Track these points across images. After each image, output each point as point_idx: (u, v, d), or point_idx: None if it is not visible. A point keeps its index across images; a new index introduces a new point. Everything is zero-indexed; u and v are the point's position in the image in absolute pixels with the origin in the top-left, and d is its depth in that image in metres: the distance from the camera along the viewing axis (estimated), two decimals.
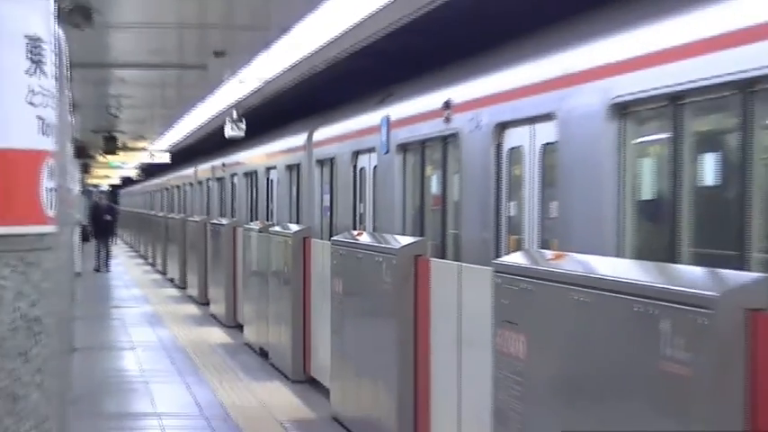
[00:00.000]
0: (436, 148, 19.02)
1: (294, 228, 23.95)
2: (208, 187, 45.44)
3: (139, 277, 50.67)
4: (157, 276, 50.65)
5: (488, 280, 11.35)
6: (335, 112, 27.06)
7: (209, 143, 43.37)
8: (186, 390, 20.62)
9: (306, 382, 21.26)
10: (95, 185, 71.45)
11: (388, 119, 20.73)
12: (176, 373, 22.74)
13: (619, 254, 12.48)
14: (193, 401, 19.55)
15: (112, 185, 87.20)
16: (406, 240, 15.70)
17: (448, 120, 17.37)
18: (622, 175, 12.60)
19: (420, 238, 16.35)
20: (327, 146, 27.23)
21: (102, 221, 50.94)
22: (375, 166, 22.67)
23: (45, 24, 5.73)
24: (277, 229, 25.19)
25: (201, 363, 24.23)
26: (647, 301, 8.29)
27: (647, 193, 12.66)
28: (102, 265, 50.59)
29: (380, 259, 15.65)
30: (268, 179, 34.20)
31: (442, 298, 13.75)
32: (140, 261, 62.37)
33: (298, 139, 29.71)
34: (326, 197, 27.75)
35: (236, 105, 31.96)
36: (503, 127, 15.83)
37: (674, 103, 11.79)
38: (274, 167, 33.01)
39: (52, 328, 5.71)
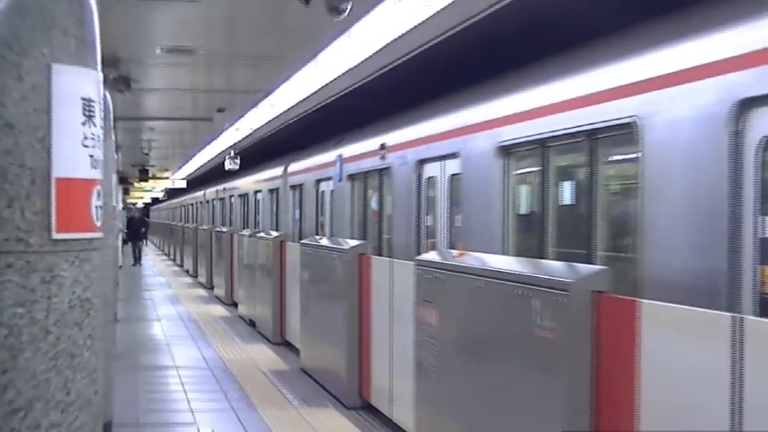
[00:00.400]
0: (375, 178, 19.23)
1: (274, 234, 23.93)
2: (213, 205, 45.29)
3: (164, 269, 50.47)
4: (177, 269, 50.49)
5: (411, 271, 11.38)
6: (304, 152, 27.08)
7: (214, 173, 43.29)
8: (197, 349, 20.56)
9: (282, 344, 21.20)
10: (133, 203, 71.27)
11: (341, 156, 21.12)
12: (190, 337, 22.65)
13: (504, 252, 12.53)
14: (201, 357, 19.50)
15: (145, 203, 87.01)
16: (353, 243, 15.73)
17: (383, 158, 17.75)
18: (506, 196, 12.71)
19: (363, 242, 16.36)
20: (298, 176, 27.19)
21: (136, 229, 51.61)
22: (332, 191, 22.73)
23: (95, 89, 5.71)
24: (262, 234, 25.18)
25: (208, 330, 24.14)
26: (524, 285, 8.33)
27: (523, 209, 12.75)
28: (137, 261, 50.80)
29: (335, 256, 15.69)
30: (256, 199, 34.12)
31: (379, 284, 13.78)
32: (165, 258, 62.18)
33: (277, 171, 29.65)
34: (297, 212, 27.72)
35: (233, 146, 32.00)
36: (422, 162, 15.98)
37: (542, 146, 11.86)
38: (260, 191, 32.94)
39: (99, 305, 5.69)
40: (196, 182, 53.60)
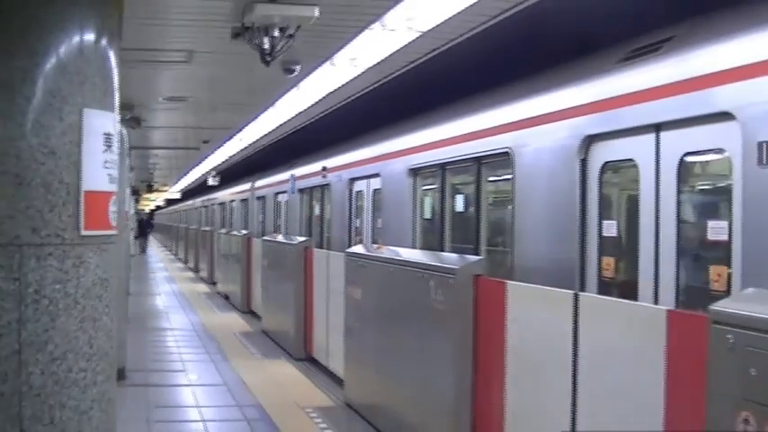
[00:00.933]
0: (318, 192, 19.46)
1: (244, 232, 23.92)
2: (200, 211, 45.08)
3: (164, 258, 50.27)
4: (173, 257, 50.33)
5: (342, 260, 11.41)
6: (266, 172, 27.10)
7: (200, 188, 43.15)
8: (186, 316, 20.47)
9: (248, 312, 21.13)
10: (142, 209, 70.86)
11: (293, 176, 21.41)
12: (181, 307, 22.56)
13: (414, 246, 12.83)
14: (189, 321, 19.43)
15: (151, 210, 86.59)
16: (301, 239, 15.74)
17: (324, 176, 18.08)
18: (415, 205, 12.89)
19: (309, 238, 16.38)
20: (262, 190, 27.20)
21: (143, 229, 51.97)
22: (287, 201, 22.85)
23: (113, 127, 5.74)
24: (234, 233, 25.17)
25: (194, 302, 24.04)
26: (424, 271, 8.39)
27: (427, 215, 12.91)
28: (142, 251, 50.91)
29: (288, 248, 15.70)
30: (231, 207, 34.04)
31: (319, 269, 13.79)
32: (165, 250, 61.87)
33: (246, 186, 29.66)
34: (261, 216, 27.69)
35: (215, 168, 31.96)
36: (352, 180, 16.16)
37: (442, 168, 11.98)
38: (234, 201, 32.87)
39: (114, 283, 5.72)
40: (188, 194, 53.36)
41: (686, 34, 7.74)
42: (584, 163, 8.58)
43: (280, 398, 11.39)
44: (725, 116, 6.72)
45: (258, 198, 27.94)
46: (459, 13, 8.32)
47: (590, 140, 8.52)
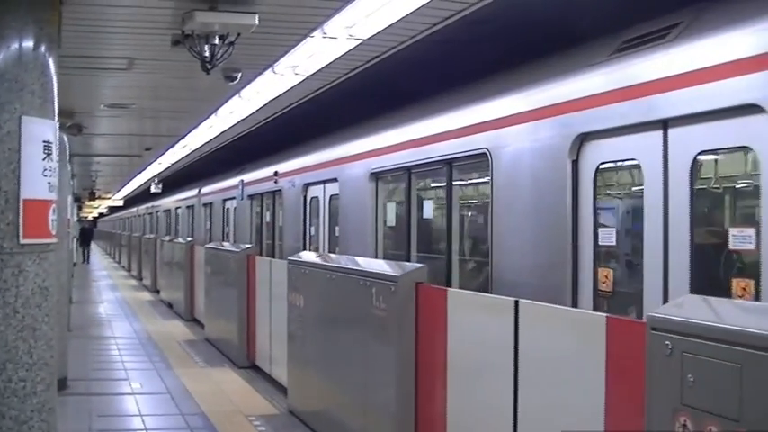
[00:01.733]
0: (269, 198, 19.36)
1: (187, 239, 23.83)
2: (144, 219, 44.74)
3: (107, 265, 49.85)
4: (116, 265, 49.93)
5: (285, 267, 11.38)
6: (214, 178, 26.99)
7: (146, 195, 42.86)
8: (129, 324, 20.33)
9: (192, 320, 21.01)
10: (85, 217, 70.29)
11: (242, 181, 21.29)
12: (124, 315, 22.38)
13: (376, 256, 12.57)
14: (132, 329, 19.30)
15: (94, 217, 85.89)
16: (244, 246, 15.69)
17: (276, 182, 17.91)
18: (377, 212, 12.89)
19: (251, 245, 16.31)
20: (209, 196, 27.08)
21: (86, 236, 51.29)
22: (235, 207, 22.77)
23: (53, 134, 5.69)
24: (178, 240, 25.06)
25: (138, 310, 23.86)
26: (366, 278, 8.38)
27: (391, 222, 12.78)
28: (85, 259, 50.16)
29: (230, 256, 15.64)
30: (176, 214, 33.83)
31: (261, 275, 13.75)
32: (108, 257, 61.37)
33: (193, 192, 29.45)
34: (208, 223, 27.57)
35: (157, 175, 31.77)
36: (307, 185, 16.08)
37: (407, 171, 11.89)
38: (180, 207, 32.67)
39: (54, 292, 5.67)
40: (132, 201, 52.99)
41: (696, 20, 7.14)
42: (575, 164, 8.04)
43: (223, 406, 11.33)
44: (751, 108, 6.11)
45: (205, 205, 27.72)
46: (399, 20, 8.33)
47: (582, 139, 7.98)
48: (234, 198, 22.85)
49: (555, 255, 8.25)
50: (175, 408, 11.25)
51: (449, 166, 10.73)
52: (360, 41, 9.20)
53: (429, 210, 11.95)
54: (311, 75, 11.00)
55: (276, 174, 18.11)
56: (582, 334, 5.41)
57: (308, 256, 11.83)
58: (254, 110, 14.27)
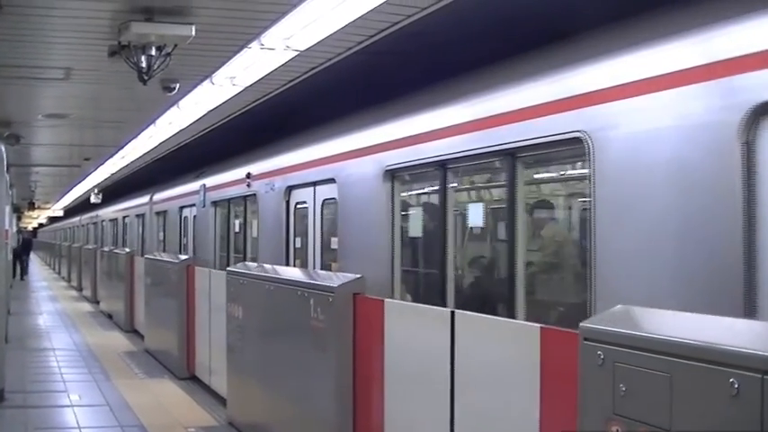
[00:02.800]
0: (240, 204, 16.90)
1: (126, 250, 23.69)
2: (87, 228, 44.10)
3: (47, 276, 49.41)
4: (56, 275, 49.48)
5: (224, 278, 11.33)
6: (167, 183, 25.99)
7: (84, 205, 42.40)
8: (68, 336, 20.17)
9: (132, 331, 20.90)
10: (25, 227, 69.53)
11: (204, 186, 18.66)
12: (63, 327, 22.20)
13: (393, 270, 8.83)
14: (72, 341, 19.15)
15: (34, 227, 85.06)
16: (183, 257, 15.65)
17: (249, 185, 15.18)
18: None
19: (189, 257, 16.12)
20: (162, 204, 26.15)
21: (26, 246, 50.27)
22: (195, 216, 21.91)
23: None
24: (117, 251, 24.93)
25: (77, 321, 23.69)
26: (304, 289, 8.37)
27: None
28: (24, 273, 48.24)
29: (170, 266, 15.58)
30: (124, 223, 33.01)
31: (201, 286, 13.71)
32: (48, 268, 60.74)
33: (144, 200, 27.70)
34: (161, 234, 26.48)
35: (97, 185, 31.51)
36: (291, 188, 13.86)
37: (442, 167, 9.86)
38: (128, 216, 31.60)
39: None
40: (71, 211, 52.46)
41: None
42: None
43: (163, 418, 11.25)
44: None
45: (157, 213, 23.91)
46: (336, 31, 8.32)
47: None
48: (193, 205, 19.68)
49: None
50: (114, 420, 11.15)
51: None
52: (297, 53, 9.18)
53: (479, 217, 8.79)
54: (249, 86, 10.97)
55: (249, 176, 15.28)
56: (517, 344, 5.43)
57: (248, 266, 11.76)
58: (193, 120, 14.20)
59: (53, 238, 69.59)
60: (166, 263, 16.20)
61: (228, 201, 16.43)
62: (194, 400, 12.45)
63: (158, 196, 23.65)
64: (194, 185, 18.85)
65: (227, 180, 16.51)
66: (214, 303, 12.63)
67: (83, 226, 44.29)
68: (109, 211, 34.34)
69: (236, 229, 16.25)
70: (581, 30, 6.82)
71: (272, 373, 9.45)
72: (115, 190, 33.10)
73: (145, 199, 25.55)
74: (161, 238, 23.84)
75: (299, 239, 12.51)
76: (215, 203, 16.69)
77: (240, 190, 15.14)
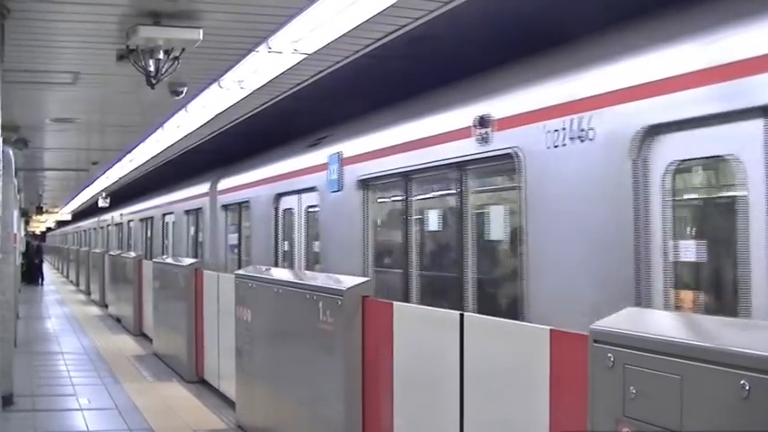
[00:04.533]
0: (234, 211, 17.90)
1: (133, 254, 23.68)
2: (106, 231, 43.88)
3: (55, 280, 49.41)
4: (65, 280, 49.52)
5: (232, 281, 11.32)
6: (244, 163, 26.07)
7: (92, 209, 42.43)
8: (77, 339, 20.16)
9: (140, 335, 20.86)
10: (32, 231, 69.65)
11: (340, 156, 18.71)
12: (72, 330, 22.20)
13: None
14: (81, 345, 19.13)
15: (42, 231, 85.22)
16: (191, 260, 15.65)
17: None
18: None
19: (198, 260, 16.23)
20: (238, 192, 26.18)
21: (32, 252, 49.66)
22: (174, 222, 22.22)
23: None
24: (125, 255, 24.88)
25: (86, 325, 23.68)
26: (313, 292, 8.36)
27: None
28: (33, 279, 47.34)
29: (177, 271, 15.55)
30: (164, 222, 32.21)
31: (209, 290, 13.66)
32: (56, 272, 60.82)
33: (200, 189, 26.48)
34: (235, 237, 25.75)
35: (104, 189, 31.52)
36: (279, 196, 14.81)
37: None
38: (170, 213, 30.14)
39: (1, 307, 5.61)
40: (79, 215, 52.55)
41: None
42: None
43: (172, 421, 11.25)
44: None
45: (227, 207, 18.64)
46: (343, 35, 8.33)
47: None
48: (311, 190, 17.66)
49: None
50: (123, 423, 11.14)
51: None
52: (305, 56, 9.20)
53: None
54: (257, 89, 10.99)
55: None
56: (526, 346, 5.41)
57: (256, 270, 11.76)
58: (201, 124, 14.22)
59: (60, 242, 69.75)
60: (174, 266, 16.20)
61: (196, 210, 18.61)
62: (203, 404, 12.44)
63: (229, 181, 18.02)
64: (308, 159, 13.43)
65: (238, 183, 17.31)
66: (222, 307, 12.62)
67: (100, 228, 43.48)
68: (136, 210, 30.87)
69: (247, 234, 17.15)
70: (583, 34, 7.72)
71: (281, 376, 9.44)
72: (127, 194, 32.90)
73: (202, 188, 20.21)
74: (232, 242, 18.48)
75: (286, 243, 14.82)
76: (366, 183, 11.47)
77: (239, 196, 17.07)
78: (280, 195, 14.66)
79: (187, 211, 21.66)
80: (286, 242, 14.74)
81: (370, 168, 11.02)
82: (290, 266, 14.09)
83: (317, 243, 13.21)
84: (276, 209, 14.79)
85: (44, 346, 19.18)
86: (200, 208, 20.21)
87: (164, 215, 25.33)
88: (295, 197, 14.02)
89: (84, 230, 47.67)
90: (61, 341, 19.95)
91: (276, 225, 14.87)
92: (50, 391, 13.45)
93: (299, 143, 14.55)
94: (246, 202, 16.55)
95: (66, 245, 59.86)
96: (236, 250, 17.84)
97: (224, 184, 18.47)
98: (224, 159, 19.36)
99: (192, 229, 21.44)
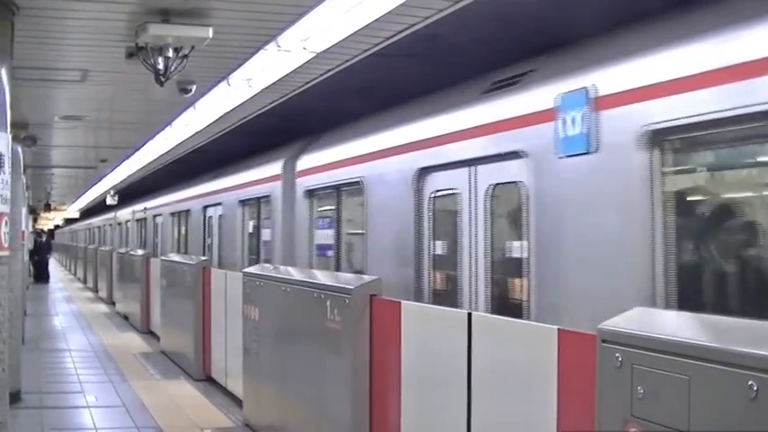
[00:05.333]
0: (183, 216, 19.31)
1: (141, 252, 23.68)
2: (124, 228, 43.54)
3: (63, 278, 49.42)
4: (72, 277, 49.58)
5: (240, 279, 11.32)
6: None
7: (99, 207, 42.41)
8: (85, 337, 20.20)
9: (148, 333, 20.89)
10: (41, 228, 69.73)
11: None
12: (79, 328, 22.24)
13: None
14: (88, 342, 19.17)
15: (50, 228, 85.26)
16: (200, 258, 15.66)
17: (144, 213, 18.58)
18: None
19: (207, 258, 16.27)
20: (142, 212, 26.82)
21: (40, 249, 49.54)
22: (162, 223, 22.62)
23: (5, 147, 5.63)
24: (133, 252, 24.87)
25: (93, 322, 23.71)
26: (320, 291, 8.36)
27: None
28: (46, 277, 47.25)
29: (186, 268, 15.56)
30: (204, 217, 31.08)
31: (217, 288, 13.68)
32: (63, 269, 60.86)
33: (265, 171, 25.22)
34: (333, 234, 25.20)
35: (113, 187, 31.49)
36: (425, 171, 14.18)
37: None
38: (217, 204, 28.19)
39: (7, 305, 5.60)
40: (86, 213, 52.57)
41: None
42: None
43: (179, 419, 11.27)
44: None
45: (314, 192, 13.68)
46: (353, 33, 8.33)
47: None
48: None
49: None
50: (131, 421, 11.17)
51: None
52: (314, 54, 9.20)
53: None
54: (266, 87, 10.99)
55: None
56: (534, 346, 5.42)
57: (264, 268, 11.77)
58: (209, 122, 14.22)
59: (68, 239, 69.71)
60: (182, 264, 16.21)
61: (179, 213, 20.11)
62: (210, 402, 12.47)
63: (319, 157, 13.34)
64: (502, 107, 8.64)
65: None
66: (230, 305, 12.64)
67: (89, 230, 42.41)
68: (168, 201, 25.76)
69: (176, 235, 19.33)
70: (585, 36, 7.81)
71: (288, 374, 9.45)
72: (138, 190, 32.63)
73: (270, 169, 15.38)
74: (323, 240, 13.43)
75: (209, 240, 17.18)
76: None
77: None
78: (426, 170, 9.75)
79: (243, 202, 16.86)
80: (438, 243, 9.78)
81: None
82: (457, 291, 9.20)
83: (525, 246, 8.02)
84: (419, 191, 9.82)
85: (52, 343, 19.23)
86: (264, 196, 15.42)
87: (204, 208, 20.35)
88: (462, 171, 9.08)
89: (108, 225, 45.95)
90: (69, 338, 20.00)
91: (420, 217, 9.85)
92: (58, 389, 13.48)
93: (461, 90, 9.79)
94: (355, 183, 11.54)
95: (72, 242, 59.92)
96: (329, 253, 12.95)
97: (309, 161, 13.60)
98: (299, 130, 15.33)
99: (251, 225, 16.88)
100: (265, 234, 15.48)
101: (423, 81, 10.66)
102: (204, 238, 20.28)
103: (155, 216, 27.61)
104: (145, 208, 29.60)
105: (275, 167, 14.75)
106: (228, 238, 17.82)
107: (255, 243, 16.25)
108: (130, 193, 33.19)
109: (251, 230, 16.69)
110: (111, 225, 39.71)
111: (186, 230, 22.27)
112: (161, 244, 25.95)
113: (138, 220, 31.06)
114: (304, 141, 14.37)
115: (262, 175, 15.56)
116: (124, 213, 33.82)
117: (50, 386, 13.62)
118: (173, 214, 23.94)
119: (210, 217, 19.87)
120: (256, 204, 16.06)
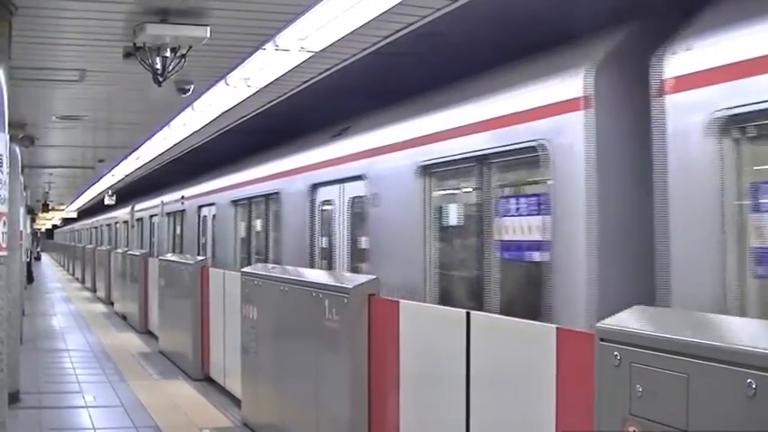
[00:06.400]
0: (177, 216, 19.69)
1: (139, 251, 23.66)
2: (93, 231, 43.76)
3: (60, 278, 49.43)
4: (70, 277, 49.53)
5: (238, 279, 11.32)
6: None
7: (96, 207, 42.39)
8: (83, 336, 20.19)
9: (146, 332, 20.88)
10: (39, 228, 69.75)
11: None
12: (77, 328, 22.22)
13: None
14: (87, 342, 19.16)
15: (48, 228, 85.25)
16: (198, 258, 15.67)
17: (182, 203, 18.49)
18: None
19: (205, 257, 16.29)
20: (140, 212, 26.93)
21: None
22: (157, 223, 23.04)
23: (3, 147, 5.63)
24: (131, 252, 24.85)
25: (91, 322, 23.69)
26: (319, 290, 8.36)
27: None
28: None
29: (184, 268, 15.56)
30: (233, 214, 31.14)
31: (215, 287, 13.69)
32: (61, 269, 60.82)
33: (324, 152, 25.00)
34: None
35: (110, 187, 31.47)
36: (200, 207, 17.02)
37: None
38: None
39: (5, 304, 5.60)
40: (84, 213, 52.49)
41: None
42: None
43: (177, 419, 11.27)
44: None
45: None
46: (351, 32, 8.34)
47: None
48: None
49: None
50: (129, 421, 11.17)
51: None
52: (312, 54, 9.20)
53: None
54: (264, 87, 10.99)
55: (183, 197, 19.53)
56: (532, 344, 5.42)
57: (262, 268, 11.77)
58: (207, 122, 14.22)
59: (66, 239, 69.68)
60: (180, 264, 16.20)
61: (173, 213, 21.98)
62: (209, 401, 12.46)
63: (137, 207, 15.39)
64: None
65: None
66: (228, 304, 12.64)
67: (86, 230, 41.96)
68: (114, 215, 27.70)
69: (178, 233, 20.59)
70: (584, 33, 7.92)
71: (287, 374, 9.45)
72: (141, 189, 32.47)
73: (330, 150, 12.68)
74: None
75: (203, 237, 18.23)
76: (168, 214, 14.02)
77: (178, 206, 20.46)
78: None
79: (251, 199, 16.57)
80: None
81: None
82: None
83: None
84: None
85: (50, 343, 19.20)
86: (274, 193, 14.85)
87: (199, 207, 19.96)
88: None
89: (111, 224, 44.85)
90: (67, 338, 19.98)
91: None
92: (56, 389, 13.47)
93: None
94: (274, 193, 13.66)
95: (70, 242, 59.87)
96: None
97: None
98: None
99: (258, 224, 16.46)
100: (271, 235, 15.79)
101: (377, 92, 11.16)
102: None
103: (168, 213, 24.70)
104: (154, 205, 26.73)
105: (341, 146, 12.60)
106: (220, 238, 18.68)
107: (260, 244, 16.47)
108: (130, 192, 33.17)
109: (258, 229, 16.70)
110: (126, 222, 34.53)
111: (248, 230, 17.44)
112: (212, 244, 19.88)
113: (168, 214, 25.03)
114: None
115: (269, 172, 15.41)
116: (146, 206, 29.03)
117: (49, 386, 13.61)
118: (234, 202, 17.80)
119: (204, 217, 19.75)
120: (264, 202, 15.95)
